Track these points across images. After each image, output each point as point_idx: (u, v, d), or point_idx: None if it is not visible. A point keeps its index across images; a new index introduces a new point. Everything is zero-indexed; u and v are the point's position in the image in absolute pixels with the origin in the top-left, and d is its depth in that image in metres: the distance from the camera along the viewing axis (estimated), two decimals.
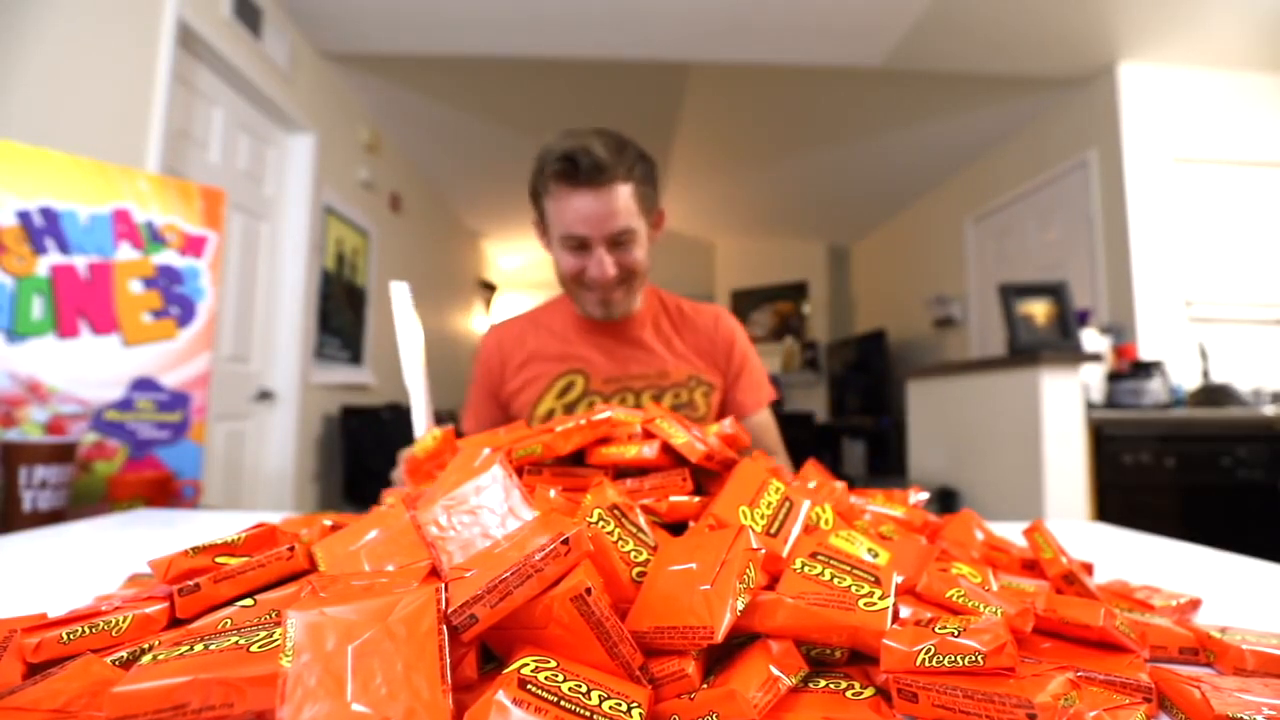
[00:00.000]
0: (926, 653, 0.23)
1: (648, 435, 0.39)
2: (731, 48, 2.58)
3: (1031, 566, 0.41)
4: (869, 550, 0.34)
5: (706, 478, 0.39)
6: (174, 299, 0.97)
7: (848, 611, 0.25)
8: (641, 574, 0.28)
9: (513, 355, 0.97)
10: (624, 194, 0.82)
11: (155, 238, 0.97)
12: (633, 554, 0.29)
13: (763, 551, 0.27)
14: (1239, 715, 0.22)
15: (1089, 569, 0.41)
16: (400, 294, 0.66)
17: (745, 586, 0.24)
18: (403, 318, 0.65)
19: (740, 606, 0.23)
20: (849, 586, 0.28)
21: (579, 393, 0.92)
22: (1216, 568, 0.52)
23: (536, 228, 0.93)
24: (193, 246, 1.00)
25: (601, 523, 0.30)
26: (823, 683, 0.25)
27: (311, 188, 2.52)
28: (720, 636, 0.22)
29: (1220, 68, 2.66)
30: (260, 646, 0.22)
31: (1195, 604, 0.37)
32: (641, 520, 0.31)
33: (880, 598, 0.27)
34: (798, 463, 0.59)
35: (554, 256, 0.90)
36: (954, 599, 0.29)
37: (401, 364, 0.65)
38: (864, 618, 0.25)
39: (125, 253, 0.94)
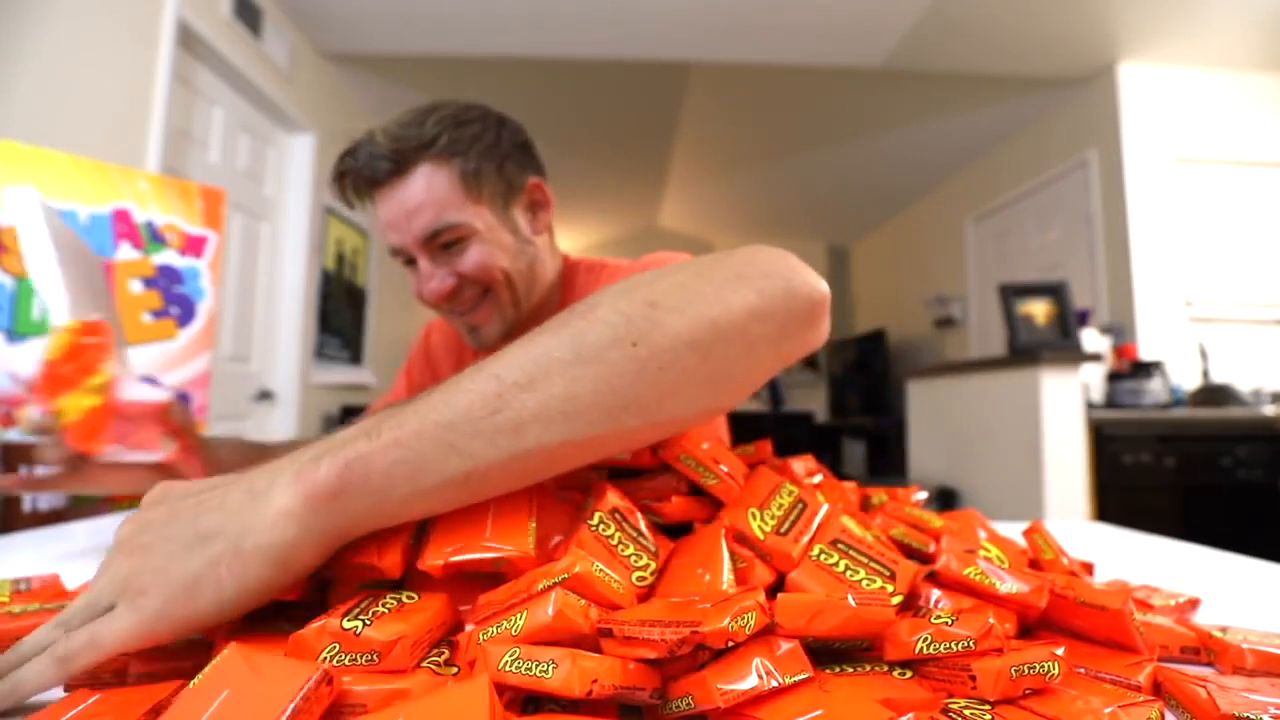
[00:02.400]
0: (924, 640, 0.24)
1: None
2: (731, 48, 2.58)
3: (1035, 565, 0.41)
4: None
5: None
6: (174, 299, 0.97)
7: (847, 609, 0.25)
8: (641, 578, 0.28)
9: (433, 376, 0.85)
10: (427, 178, 0.61)
11: (155, 238, 0.96)
12: (633, 559, 0.29)
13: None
14: (1246, 715, 0.21)
15: (1089, 569, 0.41)
16: (24, 203, 0.50)
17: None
18: (28, 230, 0.50)
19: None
20: (860, 580, 0.28)
21: None
22: (1216, 568, 0.52)
23: None
24: (193, 246, 1.00)
25: (602, 525, 0.29)
26: (867, 666, 0.25)
27: (311, 188, 2.52)
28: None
29: (1220, 68, 2.66)
30: None
31: (1194, 603, 0.37)
32: (642, 524, 0.31)
33: (892, 594, 0.27)
34: None
35: None
36: (970, 576, 0.29)
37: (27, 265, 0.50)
38: (863, 616, 0.25)
39: (125, 253, 0.94)
